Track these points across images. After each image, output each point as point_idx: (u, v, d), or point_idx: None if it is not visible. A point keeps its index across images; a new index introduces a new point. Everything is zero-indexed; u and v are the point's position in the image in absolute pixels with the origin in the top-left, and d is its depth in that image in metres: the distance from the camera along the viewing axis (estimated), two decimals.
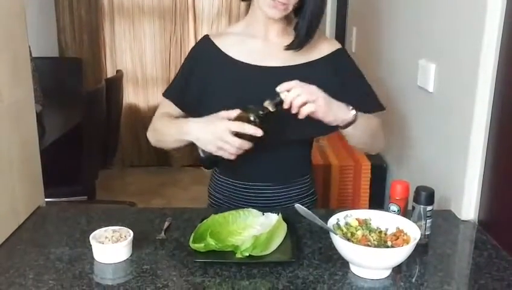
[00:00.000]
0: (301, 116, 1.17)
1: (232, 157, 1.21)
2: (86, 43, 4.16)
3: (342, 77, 1.39)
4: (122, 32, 4.18)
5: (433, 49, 1.64)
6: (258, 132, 1.17)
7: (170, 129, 1.36)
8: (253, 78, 1.37)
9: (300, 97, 1.16)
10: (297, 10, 1.34)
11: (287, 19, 1.37)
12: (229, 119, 1.21)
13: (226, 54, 1.40)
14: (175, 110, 1.46)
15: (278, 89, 1.18)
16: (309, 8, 1.29)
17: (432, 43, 1.66)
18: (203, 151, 1.26)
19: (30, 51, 1.82)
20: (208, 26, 4.18)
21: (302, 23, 1.32)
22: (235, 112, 1.22)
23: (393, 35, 2.09)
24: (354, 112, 1.23)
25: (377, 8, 2.28)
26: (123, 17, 4.16)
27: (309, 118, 1.20)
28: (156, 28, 4.19)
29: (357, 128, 1.25)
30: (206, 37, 1.46)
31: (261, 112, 1.19)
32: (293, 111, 1.17)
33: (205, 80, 1.41)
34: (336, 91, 1.35)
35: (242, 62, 1.38)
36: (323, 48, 1.40)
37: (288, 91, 1.17)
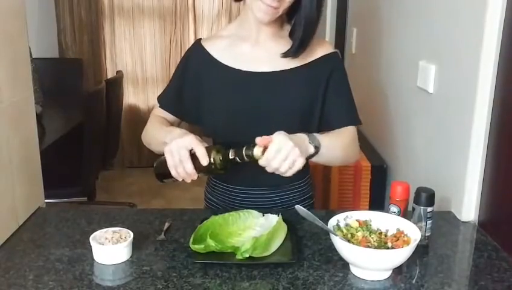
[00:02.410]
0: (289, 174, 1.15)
1: (179, 178, 1.20)
2: (86, 43, 4.16)
3: (328, 83, 1.37)
4: (122, 33, 4.19)
5: (433, 50, 1.65)
6: (203, 161, 1.16)
7: (158, 135, 1.35)
8: (243, 84, 1.35)
9: (283, 167, 1.12)
10: (291, 14, 1.32)
11: (279, 22, 1.35)
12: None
13: (216, 60, 1.39)
14: (163, 115, 1.47)
15: (257, 143, 1.14)
16: (304, 13, 1.26)
17: (432, 44, 1.66)
18: (159, 157, 1.25)
19: (30, 52, 1.82)
20: (208, 27, 4.18)
21: (298, 30, 1.29)
22: (207, 143, 1.21)
23: (393, 37, 2.09)
24: (313, 145, 1.21)
25: (377, 10, 2.28)
26: (123, 18, 4.17)
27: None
28: (156, 28, 4.19)
29: (321, 154, 1.23)
30: (198, 43, 1.44)
31: (220, 158, 1.18)
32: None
33: (197, 86, 1.40)
34: (318, 97, 1.36)
35: (232, 68, 1.36)
36: (316, 50, 1.37)
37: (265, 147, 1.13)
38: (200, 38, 1.46)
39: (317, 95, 1.36)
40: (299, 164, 1.13)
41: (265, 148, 1.13)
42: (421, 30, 1.77)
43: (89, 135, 2.83)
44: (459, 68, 1.44)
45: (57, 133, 2.81)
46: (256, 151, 1.13)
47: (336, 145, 1.31)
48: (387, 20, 2.17)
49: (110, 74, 4.19)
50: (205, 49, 1.41)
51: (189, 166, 1.17)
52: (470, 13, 1.37)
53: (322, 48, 1.38)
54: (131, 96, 4.30)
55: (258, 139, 1.14)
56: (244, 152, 1.15)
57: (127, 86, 4.20)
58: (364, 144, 2.24)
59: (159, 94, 1.52)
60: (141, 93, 4.31)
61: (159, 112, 1.48)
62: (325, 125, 1.37)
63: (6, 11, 1.36)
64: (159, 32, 4.20)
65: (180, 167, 1.18)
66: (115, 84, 3.23)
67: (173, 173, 1.19)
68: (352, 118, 1.39)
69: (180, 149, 1.17)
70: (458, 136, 1.44)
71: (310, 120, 1.36)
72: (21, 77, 1.44)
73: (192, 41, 4.11)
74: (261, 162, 1.13)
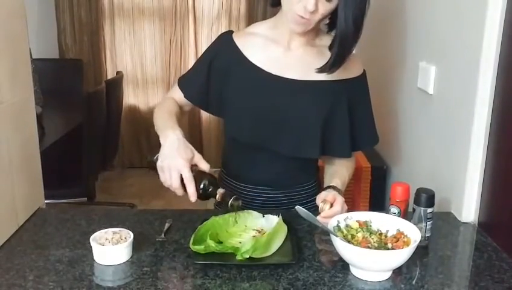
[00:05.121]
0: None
1: (164, 183, 1.22)
2: (86, 44, 4.16)
3: (354, 104, 1.39)
4: (123, 34, 4.19)
5: (434, 52, 1.65)
6: (192, 198, 1.18)
7: (159, 123, 1.32)
8: (272, 89, 1.35)
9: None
10: (332, 25, 1.32)
11: (313, 31, 1.34)
12: (193, 165, 1.20)
13: (245, 57, 1.37)
14: (182, 98, 1.45)
15: (320, 204, 1.25)
16: (339, 29, 1.23)
17: (432, 45, 1.66)
18: (156, 157, 1.25)
19: (30, 53, 1.82)
20: (208, 28, 4.18)
21: (334, 46, 1.26)
22: (205, 166, 1.22)
23: (393, 38, 2.09)
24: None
25: (378, 11, 2.28)
26: (123, 19, 4.17)
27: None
28: (156, 29, 4.19)
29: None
30: (228, 34, 1.42)
31: (209, 189, 1.20)
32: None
33: (225, 81, 1.39)
34: (341, 119, 1.38)
35: (261, 69, 1.36)
36: (350, 69, 1.36)
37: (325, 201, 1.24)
38: (231, 31, 1.44)
39: (341, 112, 1.37)
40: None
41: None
42: (421, 31, 1.77)
43: (89, 136, 2.83)
44: (459, 69, 1.44)
45: (57, 134, 2.81)
46: (321, 206, 1.24)
47: (345, 182, 1.43)
48: (387, 21, 2.17)
49: (110, 74, 4.18)
50: (236, 44, 1.39)
51: (180, 192, 1.19)
52: (470, 14, 1.37)
53: (355, 68, 1.39)
54: (131, 97, 4.30)
55: (321, 198, 1.26)
56: (230, 202, 1.19)
57: (127, 87, 4.20)
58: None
59: (180, 77, 1.50)
60: (141, 94, 4.31)
61: (175, 95, 1.46)
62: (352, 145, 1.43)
63: (7, 11, 1.36)
64: (159, 33, 4.20)
65: (171, 187, 1.20)
66: (115, 84, 3.23)
67: (165, 185, 1.21)
68: (375, 139, 1.48)
69: (171, 172, 1.18)
70: (458, 137, 1.44)
71: (330, 134, 1.38)
72: (21, 78, 1.44)
73: (192, 42, 4.17)
74: (325, 213, 1.22)
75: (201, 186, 1.19)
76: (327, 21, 1.33)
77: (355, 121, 1.40)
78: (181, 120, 1.41)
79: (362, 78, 1.42)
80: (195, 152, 1.23)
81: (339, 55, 1.26)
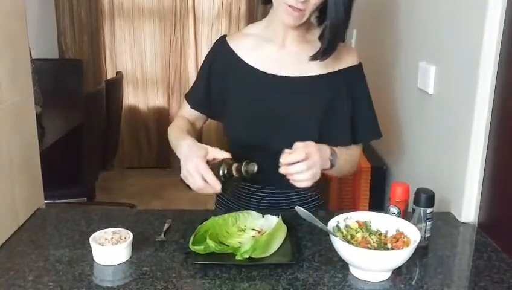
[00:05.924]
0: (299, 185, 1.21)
1: (194, 189, 1.22)
2: (86, 44, 4.16)
3: (351, 96, 1.38)
4: (122, 34, 4.19)
5: (433, 52, 1.65)
6: (216, 187, 1.19)
7: (172, 142, 1.38)
8: (269, 88, 1.36)
9: (303, 175, 1.19)
10: (322, 18, 1.32)
11: (305, 26, 1.34)
12: (209, 160, 1.22)
13: (240, 59, 1.38)
14: (191, 112, 1.48)
15: (282, 159, 1.19)
16: (329, 17, 1.24)
17: (432, 45, 1.66)
18: None
19: (30, 53, 1.82)
20: (208, 28, 4.18)
21: (326, 35, 1.27)
22: (223, 155, 1.23)
23: (393, 38, 2.09)
24: (330, 163, 1.26)
25: (378, 10, 2.29)
26: (123, 19, 4.17)
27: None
28: (156, 29, 4.19)
29: (334, 169, 1.29)
30: (222, 40, 1.44)
31: (227, 173, 1.21)
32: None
33: (223, 85, 1.40)
34: (341, 108, 1.37)
35: (257, 69, 1.37)
36: (345, 59, 1.37)
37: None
38: (225, 35, 1.46)
39: (340, 102, 1.37)
40: (316, 177, 1.21)
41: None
42: (421, 31, 1.77)
43: (88, 136, 2.83)
44: (459, 69, 1.44)
45: (56, 134, 2.81)
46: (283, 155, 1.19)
47: (346, 166, 1.37)
48: (387, 21, 2.17)
49: (110, 74, 4.19)
50: (230, 47, 1.41)
51: (209, 189, 1.20)
52: (470, 14, 1.37)
53: (350, 58, 1.38)
54: (131, 97, 4.30)
55: (287, 151, 1.20)
56: (243, 169, 1.19)
57: (127, 87, 4.20)
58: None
59: (186, 92, 1.53)
60: (141, 94, 4.31)
61: (185, 111, 1.50)
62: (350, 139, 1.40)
63: (7, 12, 1.36)
64: (159, 33, 4.21)
65: (200, 190, 1.21)
66: (115, 84, 3.23)
67: (197, 191, 1.23)
68: (376, 132, 1.45)
69: (192, 174, 1.20)
70: (458, 137, 1.44)
71: (328, 129, 1.37)
72: (21, 78, 1.44)
73: (192, 42, 4.18)
74: (283, 159, 1.19)
75: (221, 173, 1.20)
76: (317, 14, 1.33)
77: (355, 113, 1.39)
78: (193, 135, 1.42)
79: (359, 68, 1.41)
80: (209, 148, 1.24)
81: (330, 43, 1.27)
